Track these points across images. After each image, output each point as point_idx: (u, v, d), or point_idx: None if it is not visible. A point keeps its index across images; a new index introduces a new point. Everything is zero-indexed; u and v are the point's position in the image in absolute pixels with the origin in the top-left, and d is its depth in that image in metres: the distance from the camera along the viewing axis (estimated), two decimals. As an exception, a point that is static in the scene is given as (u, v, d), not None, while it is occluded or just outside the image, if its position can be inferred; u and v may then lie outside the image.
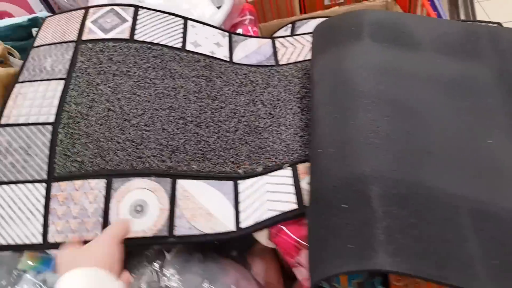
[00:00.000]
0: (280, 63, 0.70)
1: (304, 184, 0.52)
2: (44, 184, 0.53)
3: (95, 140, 0.56)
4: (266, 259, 0.59)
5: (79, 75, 0.62)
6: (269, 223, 0.50)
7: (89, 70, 0.62)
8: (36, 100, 0.60)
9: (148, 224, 0.51)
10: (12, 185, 0.54)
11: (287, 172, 0.55)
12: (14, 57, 0.72)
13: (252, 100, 0.64)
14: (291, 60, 0.70)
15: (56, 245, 0.50)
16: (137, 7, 0.71)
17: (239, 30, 0.81)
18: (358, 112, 0.47)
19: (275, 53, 0.72)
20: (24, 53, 0.69)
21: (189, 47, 0.68)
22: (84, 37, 0.66)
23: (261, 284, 0.57)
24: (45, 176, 0.54)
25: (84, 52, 0.65)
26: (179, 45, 0.68)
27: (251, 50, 0.73)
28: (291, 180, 0.53)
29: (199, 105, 0.61)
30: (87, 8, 0.71)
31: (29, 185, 0.53)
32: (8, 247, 0.51)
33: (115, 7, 0.71)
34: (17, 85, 0.62)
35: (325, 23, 0.62)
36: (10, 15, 0.88)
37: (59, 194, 0.53)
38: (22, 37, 0.77)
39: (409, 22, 0.57)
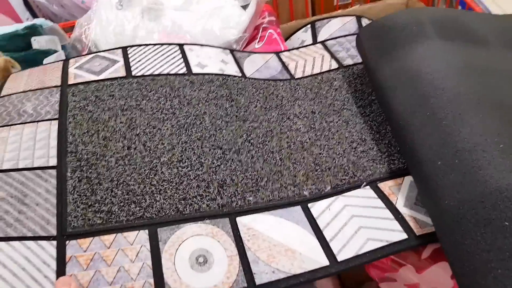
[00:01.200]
0: (296, 76, 0.63)
1: (401, 207, 0.44)
2: (54, 242, 0.39)
3: (122, 183, 0.43)
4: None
5: (77, 113, 0.50)
6: (377, 256, 0.40)
7: (88, 108, 0.51)
8: (24, 143, 0.47)
9: (220, 277, 0.39)
10: (1, 243, 0.38)
11: (369, 192, 0.46)
12: (15, 68, 0.62)
13: (284, 115, 0.55)
14: (307, 73, 0.63)
15: None
16: (124, 47, 0.62)
17: (263, 33, 0.74)
18: (469, 115, 0.40)
19: (285, 67, 0.65)
20: (25, 65, 0.61)
21: (195, 70, 0.59)
22: (71, 82, 0.56)
23: None
24: (53, 232, 0.40)
25: (76, 93, 0.53)
26: (183, 71, 0.59)
27: (259, 65, 0.65)
28: (380, 203, 0.44)
29: (230, 129, 0.52)
30: (65, 60, 0.61)
31: (30, 243, 0.39)
32: None
33: (99, 53, 0.62)
34: None
35: (374, 25, 0.55)
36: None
37: (80, 255, 0.39)
38: (20, 48, 0.68)
39: (467, 18, 0.53)
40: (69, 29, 0.77)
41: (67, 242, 0.39)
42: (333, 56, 0.66)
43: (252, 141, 0.51)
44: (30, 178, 0.43)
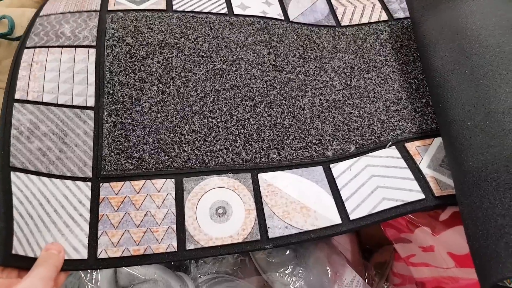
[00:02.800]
0: (343, 24, 0.60)
1: (424, 167, 0.43)
2: (89, 184, 0.42)
3: (154, 131, 0.46)
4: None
5: (115, 44, 0.51)
6: (390, 215, 0.41)
7: (127, 40, 0.51)
8: (63, 74, 0.48)
9: (236, 229, 0.42)
10: (44, 178, 0.42)
11: (393, 152, 0.45)
12: None
13: (322, 68, 0.54)
14: (354, 22, 0.60)
15: (109, 262, 0.39)
16: None
17: None
18: (509, 76, 0.37)
19: (332, 11, 0.62)
20: None
21: (236, 11, 0.58)
22: (111, 8, 0.55)
23: (347, 258, 0.53)
24: (89, 174, 0.43)
25: (114, 19, 0.53)
26: (224, 11, 0.57)
27: (305, 7, 0.62)
28: (402, 163, 0.44)
29: (265, 80, 0.51)
30: None
31: (69, 182, 0.42)
32: None
33: None
34: (27, 51, 0.49)
35: None
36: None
37: (112, 197, 0.42)
38: None
39: None
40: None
41: (101, 184, 0.43)
42: (384, 6, 0.62)
43: (285, 94, 0.51)
44: (69, 117, 0.46)
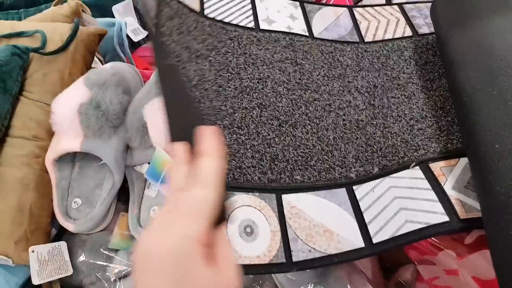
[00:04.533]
0: (366, 40, 0.61)
1: (449, 189, 0.43)
2: None
3: None
4: None
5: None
6: (413, 239, 0.41)
7: (173, 36, 0.53)
8: None
9: (262, 249, 0.43)
10: None
11: (416, 173, 0.46)
12: (86, 13, 0.66)
13: (346, 87, 0.55)
14: (378, 37, 0.61)
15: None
16: None
17: None
18: None
19: (356, 26, 0.63)
20: (95, 10, 0.63)
21: (262, 25, 0.59)
22: None
23: (368, 277, 0.52)
24: None
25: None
26: (251, 25, 0.59)
27: (329, 21, 0.63)
28: (426, 184, 0.44)
29: (290, 99, 0.53)
30: None
31: None
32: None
33: None
34: None
35: None
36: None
37: None
38: None
39: None
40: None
41: None
42: (408, 21, 0.62)
43: (309, 114, 0.52)
44: None
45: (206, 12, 0.58)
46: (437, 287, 0.46)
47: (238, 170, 0.47)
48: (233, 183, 0.46)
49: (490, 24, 0.44)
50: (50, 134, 0.52)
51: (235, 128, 0.49)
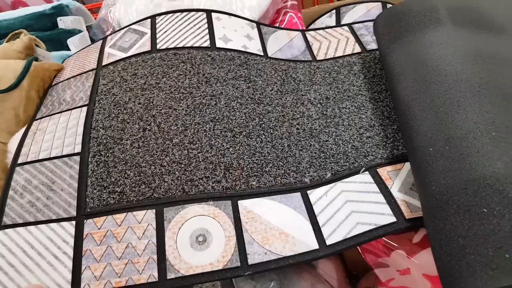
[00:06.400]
0: (318, 58, 0.63)
1: (395, 191, 0.45)
2: (73, 222, 0.45)
3: (135, 165, 0.48)
4: (331, 258, 0.55)
5: (102, 97, 0.54)
6: (364, 239, 0.42)
7: (113, 90, 0.55)
8: (58, 132, 0.52)
9: (216, 256, 0.42)
10: (30, 227, 0.45)
11: (366, 177, 0.47)
12: (40, 47, 0.66)
13: (299, 100, 0.57)
14: (329, 56, 0.64)
15: None
16: (153, 16, 0.64)
17: (284, 17, 0.74)
18: (466, 102, 0.40)
19: (309, 47, 0.65)
20: (50, 44, 0.63)
21: (219, 43, 0.61)
22: (104, 63, 0.60)
23: (333, 286, 0.52)
24: (73, 213, 0.45)
25: (105, 75, 0.58)
26: (207, 44, 0.60)
27: (283, 43, 0.66)
28: (375, 187, 0.46)
29: (244, 112, 0.54)
30: (104, 38, 0.66)
31: (53, 225, 0.45)
32: None
33: (132, 26, 0.65)
34: (35, 122, 0.55)
35: (390, 11, 0.55)
36: (25, 5, 0.82)
37: (95, 232, 0.44)
38: (46, 27, 0.71)
39: (486, 4, 0.50)
40: (96, 10, 0.80)
41: (85, 221, 0.45)
42: (357, 39, 0.65)
43: (263, 125, 0.53)
44: (58, 166, 0.49)
45: (158, 46, 0.60)
46: (394, 288, 0.47)
47: (189, 183, 0.47)
48: (184, 197, 0.46)
49: (424, 38, 0.48)
50: (7, 173, 0.51)
51: (187, 144, 0.50)
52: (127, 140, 0.50)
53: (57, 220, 0.45)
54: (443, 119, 0.40)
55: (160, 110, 0.53)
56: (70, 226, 0.44)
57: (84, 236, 0.44)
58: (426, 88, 0.43)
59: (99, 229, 0.44)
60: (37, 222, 0.45)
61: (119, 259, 0.42)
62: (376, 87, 0.57)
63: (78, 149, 0.50)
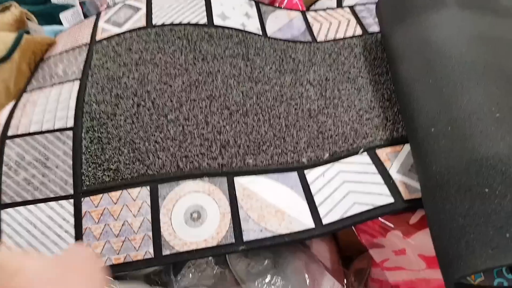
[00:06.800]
0: (318, 39, 0.62)
1: (394, 173, 0.44)
2: (71, 201, 0.44)
3: (129, 142, 0.47)
4: (325, 239, 0.55)
5: (96, 72, 0.53)
6: (360, 219, 0.42)
7: (107, 65, 0.54)
8: (49, 105, 0.51)
9: (210, 232, 0.42)
10: (30, 206, 0.44)
11: (364, 158, 0.46)
12: (32, 21, 0.64)
13: (298, 80, 0.56)
14: (330, 37, 0.62)
15: None
16: None
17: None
18: (470, 84, 0.39)
19: (309, 28, 0.64)
20: (42, 18, 0.62)
21: (216, 21, 0.59)
22: (98, 38, 0.58)
23: (326, 266, 0.52)
24: (71, 191, 0.45)
25: (99, 50, 0.56)
26: (204, 21, 0.59)
27: (282, 23, 0.65)
28: (373, 168, 0.45)
29: (241, 91, 0.53)
30: (98, 13, 0.64)
31: (52, 203, 0.44)
32: None
33: (127, 1, 0.63)
34: (25, 95, 0.54)
35: None
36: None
37: (93, 210, 0.44)
38: (39, 1, 0.69)
39: None
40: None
41: (82, 199, 0.44)
42: (359, 21, 0.64)
43: (261, 104, 0.52)
44: (51, 141, 0.48)
45: (154, 21, 0.59)
46: (388, 268, 0.47)
47: (184, 159, 0.46)
48: (178, 173, 0.45)
49: (427, 19, 0.47)
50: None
51: (182, 121, 0.49)
52: (120, 116, 0.49)
53: (55, 199, 0.44)
54: (446, 100, 0.39)
55: (155, 86, 0.51)
56: (68, 205, 0.44)
57: (83, 215, 0.43)
58: (430, 70, 0.43)
59: (96, 207, 0.44)
60: (36, 200, 0.45)
61: (116, 237, 0.42)
62: (377, 69, 0.56)
63: (70, 123, 0.49)
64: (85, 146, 0.47)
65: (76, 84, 0.52)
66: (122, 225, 0.43)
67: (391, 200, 0.42)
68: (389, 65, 0.51)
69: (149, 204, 0.43)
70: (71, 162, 0.46)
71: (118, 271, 0.42)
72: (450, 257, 0.33)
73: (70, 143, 0.47)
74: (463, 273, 0.31)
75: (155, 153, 0.46)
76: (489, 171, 0.33)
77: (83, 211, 0.44)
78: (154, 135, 0.47)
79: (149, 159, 0.46)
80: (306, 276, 0.48)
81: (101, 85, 0.51)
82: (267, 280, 0.47)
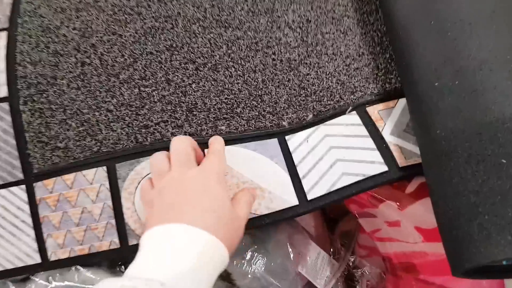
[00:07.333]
0: (297, -31, 0.53)
1: (387, 134, 0.38)
2: (23, 187, 0.39)
3: (76, 113, 0.40)
4: None
5: (27, 20, 0.44)
6: (350, 193, 0.37)
7: (40, 11, 0.44)
8: None
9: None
10: None
11: (353, 118, 0.40)
12: None
13: (274, 23, 0.47)
14: (310, -33, 0.53)
15: (62, 263, 0.37)
16: None
17: None
18: (479, 27, 0.32)
19: None
20: None
21: None
22: None
23: (312, 235, 0.49)
24: (20, 175, 0.39)
25: None
26: None
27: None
28: (363, 130, 0.39)
29: (208, 38, 0.44)
30: None
31: (3, 191, 0.39)
32: (5, 273, 0.38)
33: None
34: None
35: None
36: None
37: (47, 196, 0.38)
38: None
39: None
40: None
41: (34, 184, 0.38)
42: None
43: (232, 55, 0.44)
44: None
45: None
46: (380, 239, 0.43)
47: (143, 130, 0.40)
48: (138, 148, 0.39)
49: None
50: None
51: (137, 81, 0.41)
52: (62, 80, 0.41)
53: (5, 186, 0.39)
54: (452, 46, 0.32)
55: (102, 37, 0.43)
56: (20, 191, 0.39)
57: (37, 202, 0.38)
58: (430, 8, 0.35)
59: (50, 193, 0.38)
60: None
61: (77, 226, 0.38)
62: (366, 7, 0.48)
63: (4, 92, 0.41)
64: (26, 121, 0.40)
65: (3, 37, 0.43)
66: (82, 212, 0.38)
67: (384, 168, 0.37)
68: (380, 2, 0.43)
69: (108, 187, 0.37)
70: (14, 142, 0.39)
71: (86, 261, 0.38)
72: (459, 241, 0.28)
73: (9, 118, 0.40)
74: (477, 263, 0.27)
75: (108, 124, 0.39)
76: (506, 137, 0.28)
77: (37, 197, 0.38)
78: (105, 102, 0.40)
79: (102, 132, 0.39)
80: (290, 249, 0.44)
81: (35, 38, 0.42)
82: (247, 258, 0.43)
